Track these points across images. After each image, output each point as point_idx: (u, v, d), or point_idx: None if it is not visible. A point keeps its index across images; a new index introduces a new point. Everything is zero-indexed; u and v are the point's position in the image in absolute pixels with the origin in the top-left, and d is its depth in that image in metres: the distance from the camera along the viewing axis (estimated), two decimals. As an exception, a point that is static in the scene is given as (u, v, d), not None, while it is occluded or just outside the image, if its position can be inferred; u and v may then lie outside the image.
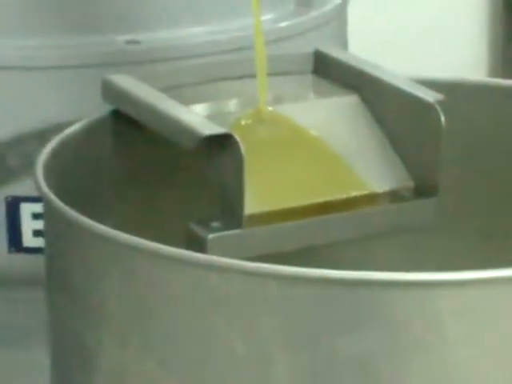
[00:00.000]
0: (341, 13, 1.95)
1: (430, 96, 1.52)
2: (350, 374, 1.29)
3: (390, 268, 1.31)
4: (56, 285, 1.51)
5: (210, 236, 1.44)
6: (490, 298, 1.27)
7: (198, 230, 1.45)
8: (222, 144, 1.41)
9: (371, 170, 1.56)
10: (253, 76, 1.56)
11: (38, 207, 1.67)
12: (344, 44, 1.94)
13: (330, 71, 1.66)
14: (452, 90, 1.63)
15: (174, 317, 1.34)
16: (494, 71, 3.57)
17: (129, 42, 1.75)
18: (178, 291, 1.33)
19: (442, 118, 1.49)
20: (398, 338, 1.28)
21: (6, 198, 1.76)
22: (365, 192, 1.54)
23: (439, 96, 1.52)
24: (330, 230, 1.55)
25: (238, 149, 1.38)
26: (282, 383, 1.31)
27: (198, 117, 1.47)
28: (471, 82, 1.85)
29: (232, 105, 1.59)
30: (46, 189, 1.40)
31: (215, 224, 1.45)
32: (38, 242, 1.66)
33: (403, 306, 1.27)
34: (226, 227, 1.45)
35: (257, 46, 1.55)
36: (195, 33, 1.78)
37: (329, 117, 1.59)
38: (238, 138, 1.38)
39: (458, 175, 1.73)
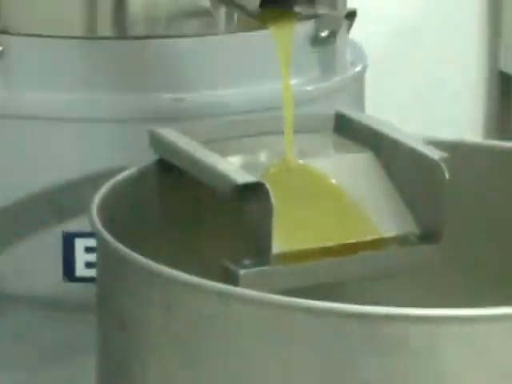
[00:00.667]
0: (360, 78, 1.98)
1: (435, 154, 1.55)
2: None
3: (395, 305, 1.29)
4: (105, 311, 1.53)
5: (242, 272, 1.46)
6: (495, 333, 1.27)
7: (232, 267, 1.47)
8: (254, 191, 1.44)
9: (382, 218, 1.59)
10: (280, 132, 1.59)
11: (90, 242, 1.71)
12: (361, 105, 1.97)
13: (349, 130, 1.69)
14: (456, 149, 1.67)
15: (214, 349, 1.34)
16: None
17: (175, 100, 1.78)
18: (222, 326, 1.33)
19: (446, 174, 1.52)
20: (408, 366, 1.27)
21: (63, 233, 1.78)
22: (375, 237, 1.56)
23: (444, 154, 1.55)
24: (344, 270, 1.57)
25: (268, 196, 1.42)
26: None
27: (232, 166, 1.50)
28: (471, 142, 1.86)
29: (262, 157, 1.62)
30: (99, 226, 1.43)
31: (246, 261, 1.47)
32: (90, 273, 1.70)
33: (418, 338, 1.27)
34: (256, 264, 1.47)
35: (285, 106, 1.58)
36: (232, 93, 1.80)
37: (346, 170, 1.62)
38: (268, 186, 1.41)
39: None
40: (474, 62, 3.36)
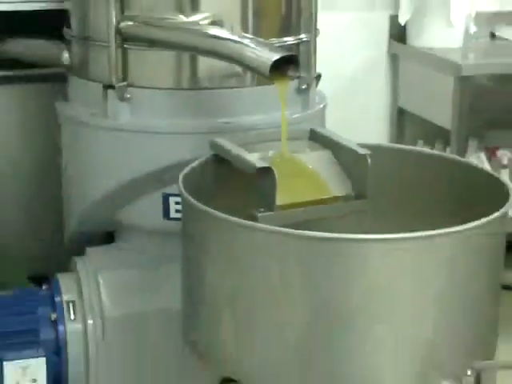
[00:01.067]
0: (323, 110, 1.93)
1: (363, 150, 1.58)
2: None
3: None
4: (187, 239, 1.54)
5: (260, 215, 1.49)
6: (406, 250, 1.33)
7: (254, 213, 1.49)
8: (266, 171, 1.48)
9: (335, 185, 1.60)
10: (279, 139, 1.61)
11: (177, 199, 1.71)
12: (323, 124, 1.92)
13: (317, 139, 1.70)
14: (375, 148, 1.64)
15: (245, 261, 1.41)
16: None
17: (224, 123, 1.77)
18: (248, 246, 1.41)
19: (369, 161, 1.55)
20: (354, 271, 1.33)
21: (163, 194, 1.78)
22: (332, 195, 1.59)
23: (367, 151, 1.57)
24: (318, 212, 1.57)
25: (273, 175, 1.47)
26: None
27: (254, 157, 1.53)
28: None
29: (270, 152, 1.61)
30: (183, 190, 1.49)
31: (262, 210, 1.50)
32: (178, 215, 1.69)
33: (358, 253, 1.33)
34: (267, 211, 1.50)
35: (283, 125, 1.60)
36: (255, 119, 1.79)
37: (316, 160, 1.63)
38: (273, 169, 1.47)
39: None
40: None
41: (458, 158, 1.87)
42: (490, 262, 1.45)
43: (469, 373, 1.33)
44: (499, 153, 3.32)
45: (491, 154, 3.31)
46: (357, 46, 3.27)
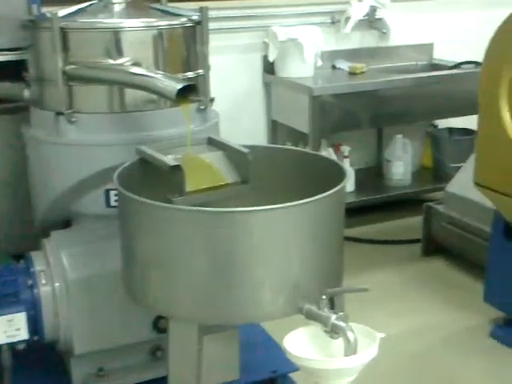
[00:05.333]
0: (217, 124, 1.92)
1: (245, 150, 1.59)
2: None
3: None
4: (124, 221, 1.49)
5: (174, 199, 1.49)
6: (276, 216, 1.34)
7: (171, 198, 1.49)
8: (177, 168, 1.48)
9: (226, 174, 1.61)
10: (186, 145, 1.61)
11: (115, 192, 1.66)
12: (218, 133, 1.90)
13: (213, 144, 1.70)
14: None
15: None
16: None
17: (146, 136, 1.74)
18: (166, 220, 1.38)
19: (250, 158, 1.57)
20: (240, 233, 1.33)
21: (105, 189, 1.75)
22: (225, 182, 1.60)
23: (248, 150, 1.57)
24: (217, 194, 1.57)
25: (182, 170, 1.48)
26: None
27: (168, 158, 1.52)
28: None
29: (180, 154, 1.59)
30: (118, 185, 1.47)
31: (176, 195, 1.50)
32: (116, 204, 1.63)
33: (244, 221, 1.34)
34: (179, 196, 1.50)
35: (188, 135, 1.61)
36: (170, 131, 1.75)
37: (213, 158, 1.63)
38: (182, 166, 1.47)
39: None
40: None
41: (311, 151, 1.92)
42: (335, 221, 1.48)
43: (323, 297, 1.36)
44: (342, 148, 3.40)
45: (336, 148, 3.37)
46: (241, 77, 3.27)
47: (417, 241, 3.05)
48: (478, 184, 2.05)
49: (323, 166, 1.64)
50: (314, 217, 1.40)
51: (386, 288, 2.72)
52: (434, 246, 2.99)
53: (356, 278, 2.73)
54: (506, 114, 1.86)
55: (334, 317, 1.32)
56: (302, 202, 1.36)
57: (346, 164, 3.35)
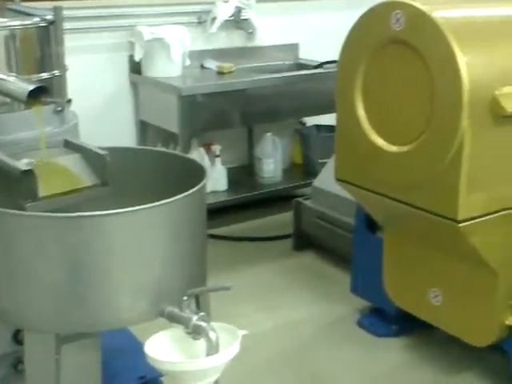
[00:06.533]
0: (76, 125, 1.88)
1: (102, 151, 1.55)
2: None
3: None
4: None
5: (27, 205, 1.43)
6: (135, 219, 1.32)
7: (23, 204, 1.43)
8: (29, 172, 1.43)
9: (86, 178, 1.57)
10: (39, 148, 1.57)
11: None
12: (77, 135, 1.87)
13: (70, 146, 1.65)
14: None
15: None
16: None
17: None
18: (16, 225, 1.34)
19: (107, 159, 1.52)
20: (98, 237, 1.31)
21: None
22: (83, 186, 1.56)
23: (106, 152, 1.54)
24: (73, 199, 1.52)
25: (34, 175, 1.43)
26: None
27: (20, 163, 1.47)
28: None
29: (35, 157, 1.54)
30: None
31: (29, 201, 1.44)
32: None
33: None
34: (32, 202, 1.44)
35: (41, 138, 1.57)
36: (23, 135, 1.69)
37: (69, 161, 1.58)
38: (35, 171, 1.42)
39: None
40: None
41: (172, 152, 1.90)
42: (196, 221, 1.48)
43: (185, 298, 1.35)
44: (213, 147, 3.41)
45: (207, 148, 3.38)
46: (108, 78, 3.19)
47: (288, 236, 3.12)
48: (338, 179, 2.11)
49: (184, 166, 1.64)
50: (173, 218, 1.39)
51: (258, 284, 2.76)
52: (304, 241, 3.06)
53: (228, 276, 2.75)
54: (360, 110, 1.93)
55: (195, 317, 1.32)
56: (158, 203, 1.35)
57: (218, 163, 3.37)
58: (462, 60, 1.64)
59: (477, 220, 1.76)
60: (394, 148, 1.85)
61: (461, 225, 1.73)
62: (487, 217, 1.78)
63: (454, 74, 1.64)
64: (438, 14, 1.70)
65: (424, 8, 1.72)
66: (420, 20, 1.71)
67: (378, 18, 1.84)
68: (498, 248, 1.85)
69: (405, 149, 1.81)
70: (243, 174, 3.61)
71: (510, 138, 1.77)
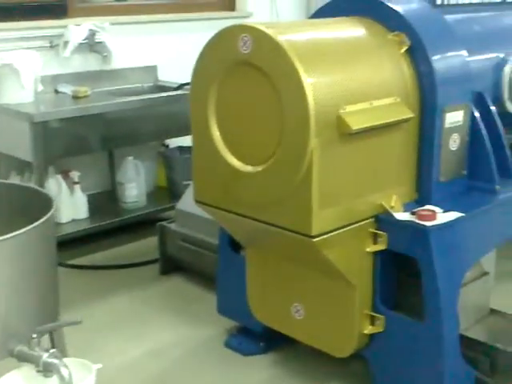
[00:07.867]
0: None
1: None
2: None
3: None
4: None
5: None
6: None
7: None
8: None
9: None
10: None
11: None
12: None
13: None
14: None
15: None
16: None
17: None
18: None
19: None
20: None
21: None
22: None
23: None
24: None
25: None
26: None
27: None
28: None
29: None
30: None
31: None
32: None
33: None
34: None
35: None
36: None
37: None
38: None
39: None
40: None
41: (17, 183, 1.83)
42: (45, 254, 1.45)
43: (34, 335, 1.31)
44: (71, 174, 3.33)
45: (65, 175, 3.29)
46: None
47: (155, 261, 3.08)
48: (197, 201, 2.12)
49: (31, 196, 1.60)
50: (17, 252, 1.35)
51: (123, 313, 2.71)
52: (171, 265, 3.04)
53: (94, 307, 2.68)
54: (215, 131, 1.96)
55: (45, 355, 1.28)
56: (9, 235, 1.31)
57: (77, 190, 3.29)
58: (307, 81, 1.69)
59: (330, 234, 1.82)
60: (249, 168, 1.89)
61: (315, 240, 1.79)
62: (340, 230, 1.84)
63: (299, 95, 1.70)
64: (283, 37, 1.76)
65: (269, 31, 1.77)
66: (266, 43, 1.76)
67: (227, 40, 1.87)
68: (353, 260, 1.93)
69: (259, 168, 1.85)
70: (105, 199, 3.55)
71: (356, 154, 1.86)
